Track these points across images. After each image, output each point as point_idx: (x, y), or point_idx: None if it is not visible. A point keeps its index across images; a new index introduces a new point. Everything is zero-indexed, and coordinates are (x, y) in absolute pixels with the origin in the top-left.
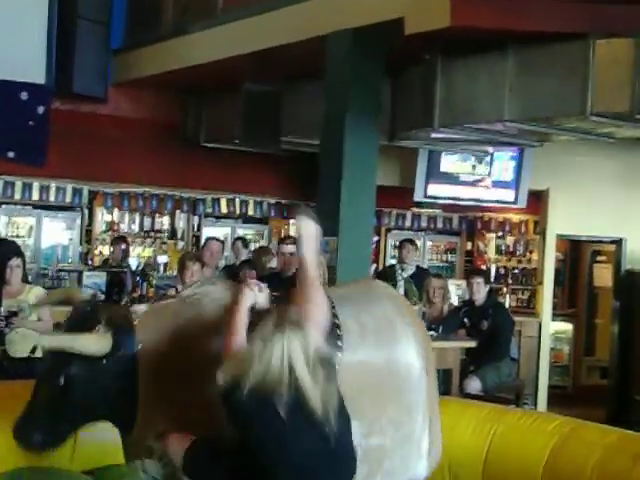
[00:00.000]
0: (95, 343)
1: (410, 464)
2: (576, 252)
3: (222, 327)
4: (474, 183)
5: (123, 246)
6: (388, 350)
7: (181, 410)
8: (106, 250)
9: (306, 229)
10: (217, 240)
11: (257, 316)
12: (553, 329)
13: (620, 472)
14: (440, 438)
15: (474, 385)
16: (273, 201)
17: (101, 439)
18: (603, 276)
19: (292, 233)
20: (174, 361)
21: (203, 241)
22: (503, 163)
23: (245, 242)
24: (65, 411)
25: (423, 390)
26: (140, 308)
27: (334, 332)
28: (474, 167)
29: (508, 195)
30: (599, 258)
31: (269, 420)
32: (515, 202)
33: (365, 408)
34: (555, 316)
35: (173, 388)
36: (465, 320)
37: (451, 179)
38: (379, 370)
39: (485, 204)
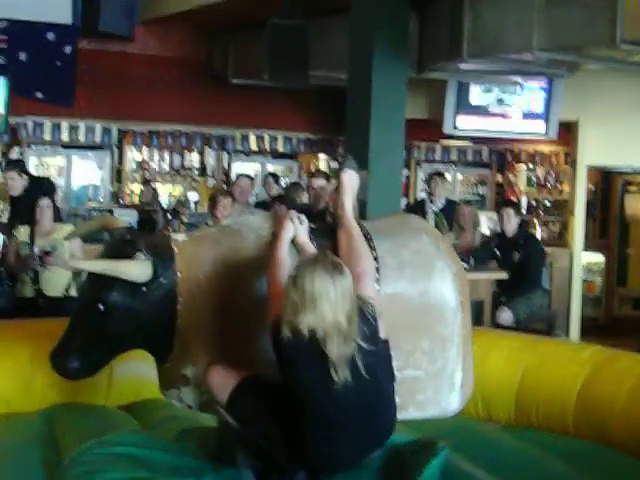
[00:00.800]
0: (136, 269)
1: (442, 397)
2: (607, 183)
3: (261, 258)
4: (504, 115)
5: (152, 186)
6: (424, 284)
7: (217, 341)
8: (136, 189)
9: (349, 180)
10: (247, 176)
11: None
12: (585, 260)
13: None
14: (472, 372)
15: (506, 316)
16: (302, 136)
17: (136, 374)
18: (635, 206)
19: (322, 168)
20: (213, 291)
21: (233, 178)
22: (533, 94)
23: (276, 178)
24: (103, 338)
25: (458, 324)
26: (179, 237)
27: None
28: (503, 99)
29: (539, 126)
30: (630, 188)
31: (314, 362)
32: (546, 134)
33: (400, 341)
34: (587, 247)
35: (211, 319)
36: (496, 252)
37: (480, 111)
38: (415, 303)
39: (515, 136)
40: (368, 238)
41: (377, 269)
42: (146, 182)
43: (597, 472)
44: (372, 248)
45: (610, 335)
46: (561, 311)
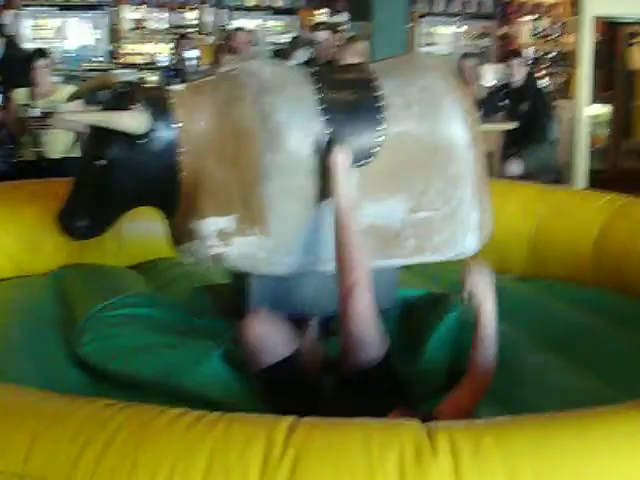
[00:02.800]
0: (132, 120)
1: (459, 238)
2: (611, 34)
3: (261, 101)
4: None
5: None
6: (433, 121)
7: (224, 193)
8: (134, 48)
9: (341, 163)
10: (244, 30)
11: None
12: (590, 112)
13: None
14: (490, 211)
15: (515, 168)
16: None
17: (145, 233)
18: (639, 58)
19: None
20: (215, 140)
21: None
22: None
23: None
24: (107, 195)
25: (471, 162)
26: (177, 87)
27: (375, 104)
28: None
29: None
30: (635, 40)
31: None
32: None
33: (412, 181)
34: (592, 99)
35: (216, 169)
36: (504, 102)
37: None
38: (424, 142)
39: None
40: (372, 78)
41: (379, 108)
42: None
43: (614, 318)
44: (376, 88)
45: (616, 187)
46: (567, 163)
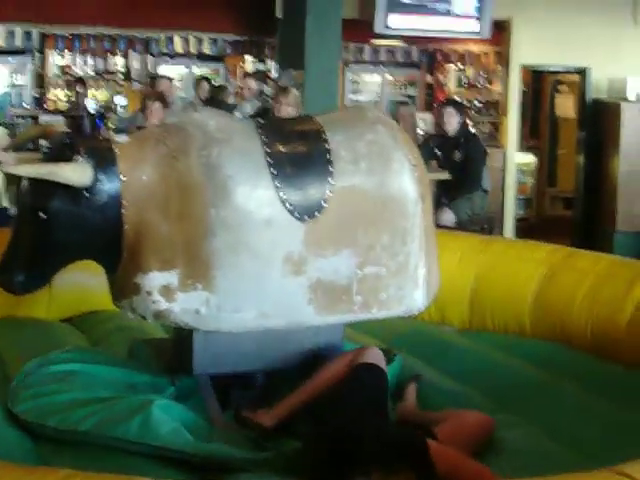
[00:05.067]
0: (74, 172)
1: (406, 294)
2: (538, 83)
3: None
4: (436, 13)
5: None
6: (381, 176)
7: (167, 247)
8: (60, 94)
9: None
10: (166, 77)
11: None
12: (516, 161)
13: (612, 299)
14: (437, 267)
15: (448, 217)
16: (229, 38)
17: (77, 285)
18: (565, 106)
19: (249, 69)
20: (159, 192)
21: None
22: None
23: (209, 81)
24: (48, 248)
25: (419, 217)
26: (121, 138)
27: (324, 158)
28: None
29: (471, 26)
30: (561, 88)
31: None
32: (479, 33)
33: (359, 236)
34: (518, 148)
35: (159, 223)
36: (437, 152)
37: (412, 9)
38: (372, 196)
39: (447, 35)
40: (321, 131)
41: (330, 162)
42: (77, 83)
43: (555, 370)
44: (325, 141)
45: (543, 235)
46: (496, 212)
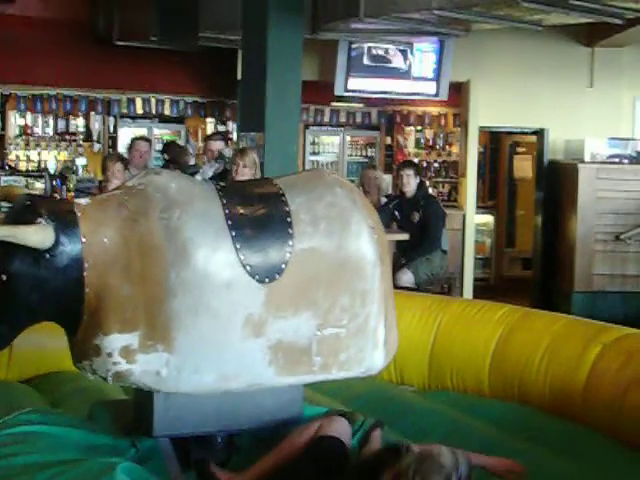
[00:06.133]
0: (36, 234)
1: (366, 355)
2: (495, 144)
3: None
4: (395, 76)
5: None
6: (340, 238)
7: (128, 309)
8: (21, 155)
9: None
10: (144, 139)
11: None
12: (475, 221)
13: (570, 358)
14: (396, 327)
15: (406, 278)
16: (190, 100)
17: (37, 346)
18: (523, 167)
19: (209, 131)
20: (120, 254)
21: (120, 143)
22: (424, 55)
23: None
24: (7, 310)
25: (377, 278)
26: (83, 200)
27: (284, 220)
28: (395, 60)
29: (429, 88)
30: (519, 149)
31: None
32: (437, 94)
33: (318, 298)
34: (476, 209)
35: (120, 285)
36: (396, 213)
37: (372, 71)
38: (331, 258)
39: (405, 97)
40: (280, 194)
41: (290, 224)
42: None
43: (517, 431)
44: (284, 203)
45: (501, 295)
46: (456, 272)
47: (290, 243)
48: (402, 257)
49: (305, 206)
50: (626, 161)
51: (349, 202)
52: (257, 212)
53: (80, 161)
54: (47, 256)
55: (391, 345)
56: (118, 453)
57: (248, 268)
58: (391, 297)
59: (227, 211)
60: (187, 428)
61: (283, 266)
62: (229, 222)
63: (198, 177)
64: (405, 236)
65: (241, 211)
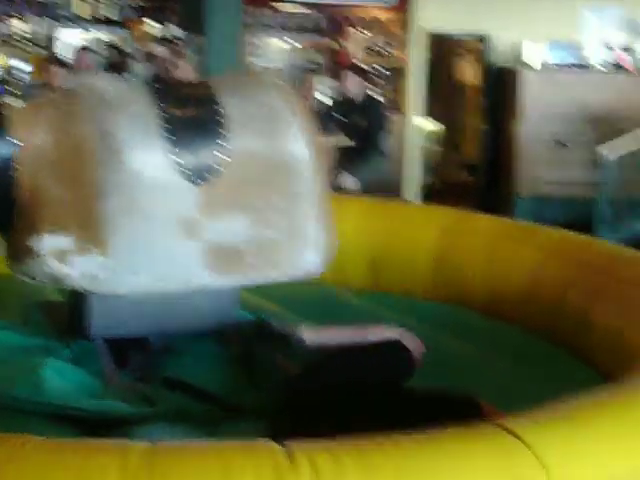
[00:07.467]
0: None
1: (301, 257)
2: (440, 49)
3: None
4: None
5: None
6: (273, 139)
7: (61, 210)
8: None
9: None
10: (89, 50)
11: None
12: (422, 127)
13: (508, 261)
14: (332, 229)
15: (350, 183)
16: (131, 2)
17: None
18: (467, 73)
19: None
20: (53, 156)
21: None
22: None
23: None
24: None
25: (311, 179)
26: (17, 104)
27: (217, 122)
28: None
29: None
30: (463, 55)
31: None
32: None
33: (253, 199)
34: (421, 114)
35: (53, 186)
36: (340, 117)
37: None
38: (265, 159)
39: (355, 2)
40: (214, 95)
41: (221, 123)
42: None
43: (457, 332)
44: (218, 105)
45: (446, 201)
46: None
47: (224, 144)
48: (345, 161)
49: (238, 107)
50: (571, 66)
51: (284, 103)
52: (191, 114)
53: (23, 66)
54: None
55: (328, 247)
56: (51, 354)
57: (181, 170)
58: (326, 197)
59: (162, 113)
60: (123, 330)
61: (217, 167)
62: (164, 124)
63: (134, 79)
64: (349, 141)
65: (176, 113)
